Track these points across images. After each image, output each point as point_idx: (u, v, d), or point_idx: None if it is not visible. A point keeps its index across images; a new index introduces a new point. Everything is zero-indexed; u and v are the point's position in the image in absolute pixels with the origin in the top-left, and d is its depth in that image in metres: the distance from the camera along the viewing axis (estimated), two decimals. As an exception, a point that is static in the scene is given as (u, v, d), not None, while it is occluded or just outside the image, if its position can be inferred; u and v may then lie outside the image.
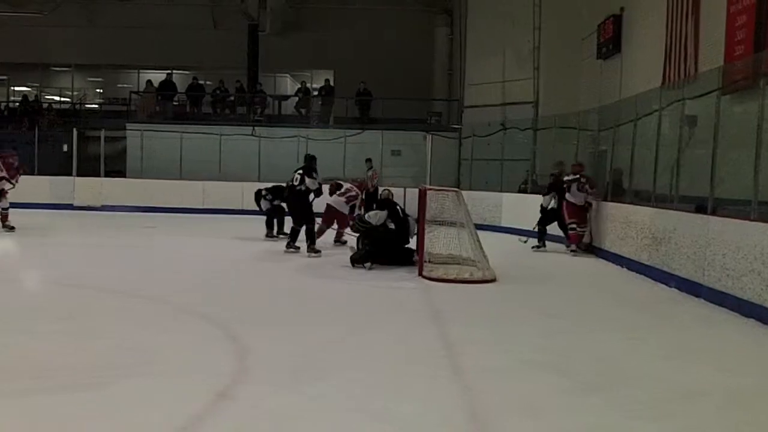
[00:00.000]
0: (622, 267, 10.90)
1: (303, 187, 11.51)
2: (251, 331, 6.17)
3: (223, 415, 4.12)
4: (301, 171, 11.67)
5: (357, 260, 10.32)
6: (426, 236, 9.98)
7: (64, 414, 4.03)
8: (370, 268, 10.13)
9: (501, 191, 17.27)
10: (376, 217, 10.54)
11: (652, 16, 13.68)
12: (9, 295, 7.76)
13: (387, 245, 10.45)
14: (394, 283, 9.15)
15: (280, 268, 10.31)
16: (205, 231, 13.10)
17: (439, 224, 10.60)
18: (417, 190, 11.25)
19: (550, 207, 13.13)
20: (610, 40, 15.69)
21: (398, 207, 10.90)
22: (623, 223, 11.18)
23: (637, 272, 10.32)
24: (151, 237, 14.19)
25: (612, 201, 12.15)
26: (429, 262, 9.76)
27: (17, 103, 28.63)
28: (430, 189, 10.65)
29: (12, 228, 13.71)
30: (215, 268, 10.28)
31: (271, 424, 4.01)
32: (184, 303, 7.48)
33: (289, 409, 4.22)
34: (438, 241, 10.45)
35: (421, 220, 10.19)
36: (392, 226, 10.49)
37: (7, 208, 13.95)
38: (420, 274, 9.49)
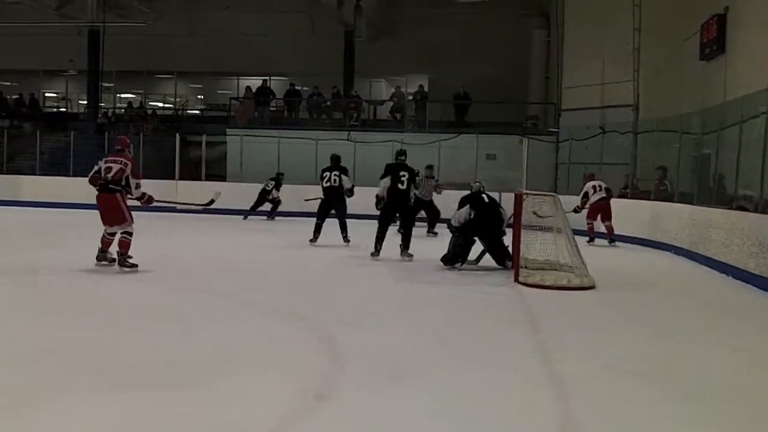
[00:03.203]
0: (727, 275, 10.52)
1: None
2: (343, 332, 6.25)
3: (317, 416, 4.19)
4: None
5: (446, 261, 10.47)
6: (522, 241, 9.88)
7: (161, 411, 4.16)
8: (460, 269, 10.28)
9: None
10: (455, 219, 10.63)
11: (758, 15, 13.22)
12: (116, 295, 8.07)
13: (473, 235, 10.51)
14: (489, 289, 9.08)
15: (373, 271, 10.39)
16: (302, 233, 13.28)
17: (536, 229, 10.47)
18: (513, 195, 11.12)
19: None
20: (714, 41, 15.20)
21: (483, 195, 10.81)
22: (728, 230, 10.79)
23: (742, 281, 9.94)
24: (249, 239, 14.50)
25: (716, 207, 11.76)
26: (525, 267, 9.66)
27: (123, 110, 29.81)
28: (527, 193, 10.54)
29: None
30: (310, 269, 10.44)
31: (364, 427, 4.04)
32: (279, 304, 7.67)
33: (381, 413, 4.24)
34: (534, 246, 10.33)
35: (516, 225, 10.09)
36: (472, 215, 10.44)
37: None
38: (516, 280, 9.40)
